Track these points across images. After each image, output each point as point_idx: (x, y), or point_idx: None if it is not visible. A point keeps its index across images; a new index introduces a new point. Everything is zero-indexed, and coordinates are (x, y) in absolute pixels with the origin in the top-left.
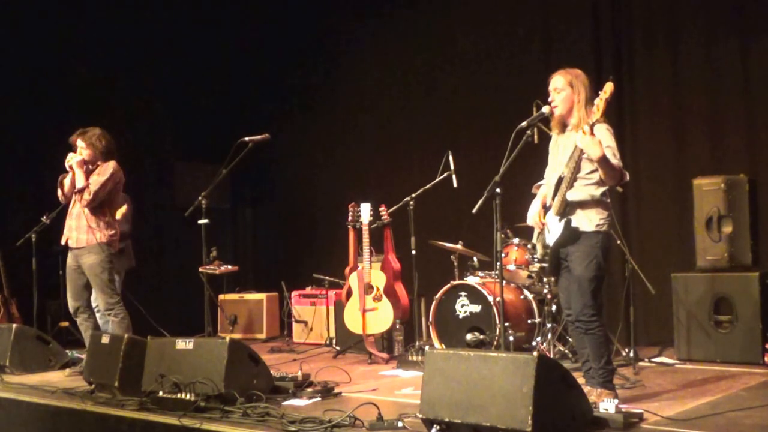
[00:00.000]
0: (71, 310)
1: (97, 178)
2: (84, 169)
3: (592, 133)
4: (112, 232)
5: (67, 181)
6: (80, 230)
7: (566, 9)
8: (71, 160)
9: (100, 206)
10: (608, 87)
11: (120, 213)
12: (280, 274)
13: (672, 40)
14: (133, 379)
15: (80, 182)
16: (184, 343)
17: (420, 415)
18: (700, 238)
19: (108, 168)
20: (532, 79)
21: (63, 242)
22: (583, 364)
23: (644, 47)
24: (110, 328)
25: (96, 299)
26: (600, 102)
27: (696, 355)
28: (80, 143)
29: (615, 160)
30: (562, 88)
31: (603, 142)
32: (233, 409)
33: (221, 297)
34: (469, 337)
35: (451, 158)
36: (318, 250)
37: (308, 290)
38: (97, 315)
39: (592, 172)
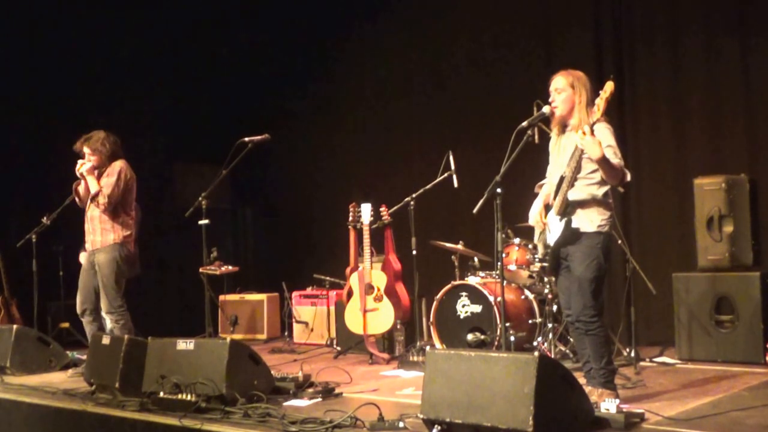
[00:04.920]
0: (78, 310)
1: (108, 180)
2: (94, 174)
3: (592, 133)
4: (128, 232)
5: (81, 188)
6: (96, 233)
7: (567, 9)
8: (81, 168)
9: (114, 207)
10: (608, 86)
11: None
12: (281, 274)
13: (672, 41)
14: (134, 380)
15: (93, 188)
16: (184, 344)
17: (421, 416)
18: (701, 238)
19: (116, 168)
20: (532, 78)
21: (87, 248)
22: (584, 365)
23: (645, 47)
24: (111, 332)
25: (101, 300)
26: (600, 101)
27: (697, 355)
28: (86, 150)
29: (616, 159)
30: (563, 88)
31: (604, 141)
32: (234, 409)
33: (222, 297)
34: (470, 337)
35: (451, 158)
36: (318, 251)
37: (309, 291)
38: (106, 317)
39: (593, 171)
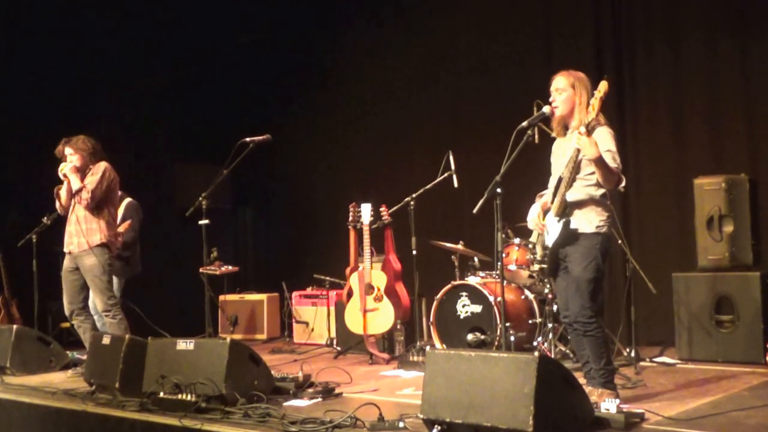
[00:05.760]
0: (67, 312)
1: (92, 178)
2: (78, 174)
3: (588, 134)
4: (113, 231)
5: (63, 192)
6: (80, 234)
7: (567, 9)
8: (64, 168)
9: (99, 206)
10: (602, 86)
11: (123, 226)
12: (281, 274)
13: (672, 41)
14: (134, 380)
15: (76, 185)
16: (184, 344)
17: (421, 416)
18: (701, 238)
19: (100, 167)
20: (532, 78)
21: (65, 250)
22: (584, 365)
23: (645, 47)
24: (108, 330)
25: (94, 300)
26: (595, 101)
27: (697, 355)
28: (68, 150)
29: (614, 164)
30: (564, 88)
31: (604, 145)
32: (234, 409)
33: (222, 297)
34: (470, 337)
35: (451, 158)
36: (318, 251)
37: (309, 291)
38: (95, 317)
39: (592, 173)
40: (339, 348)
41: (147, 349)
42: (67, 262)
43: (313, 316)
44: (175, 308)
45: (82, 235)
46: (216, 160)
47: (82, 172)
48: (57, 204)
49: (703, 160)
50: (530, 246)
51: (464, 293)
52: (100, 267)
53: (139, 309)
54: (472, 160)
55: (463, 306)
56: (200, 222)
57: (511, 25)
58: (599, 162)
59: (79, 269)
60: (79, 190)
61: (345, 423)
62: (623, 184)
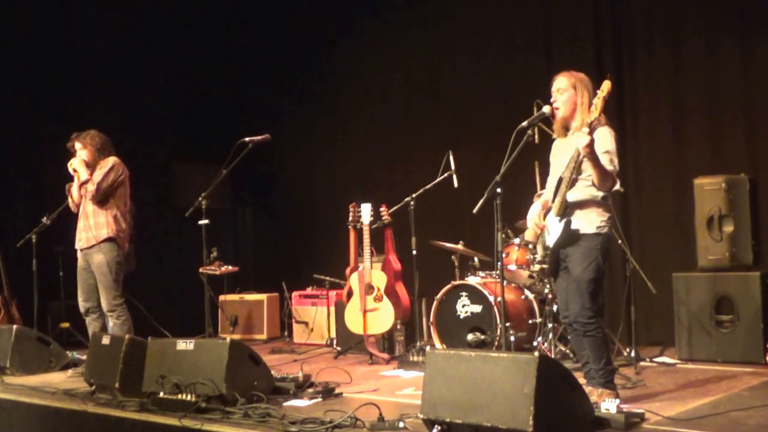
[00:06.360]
0: (82, 310)
1: (99, 171)
2: (87, 168)
3: (590, 133)
4: (122, 227)
5: (74, 189)
6: (89, 229)
7: (567, 9)
8: (73, 163)
9: (107, 200)
10: (605, 85)
11: None
12: (281, 274)
13: (672, 41)
14: (134, 380)
15: (84, 176)
16: (184, 344)
17: (421, 416)
18: (701, 238)
19: (108, 161)
20: (533, 78)
21: (77, 247)
22: (584, 365)
23: (645, 47)
24: (112, 329)
25: (100, 298)
26: (598, 101)
27: (697, 355)
28: (77, 145)
29: (611, 166)
30: (566, 89)
31: (603, 146)
32: (234, 409)
33: (222, 298)
34: (470, 337)
35: (451, 158)
36: (318, 251)
37: (309, 291)
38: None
39: None
40: (339, 348)
41: (147, 349)
42: (80, 260)
43: (313, 316)
44: (175, 308)
45: (90, 230)
46: (216, 160)
47: (91, 167)
48: (69, 201)
49: (703, 160)
50: (530, 246)
51: (464, 293)
52: (107, 265)
53: (142, 307)
54: (472, 160)
55: (463, 306)
56: (200, 222)
57: (512, 26)
58: (593, 159)
59: (91, 266)
60: (86, 182)
61: (345, 423)
62: (617, 186)
